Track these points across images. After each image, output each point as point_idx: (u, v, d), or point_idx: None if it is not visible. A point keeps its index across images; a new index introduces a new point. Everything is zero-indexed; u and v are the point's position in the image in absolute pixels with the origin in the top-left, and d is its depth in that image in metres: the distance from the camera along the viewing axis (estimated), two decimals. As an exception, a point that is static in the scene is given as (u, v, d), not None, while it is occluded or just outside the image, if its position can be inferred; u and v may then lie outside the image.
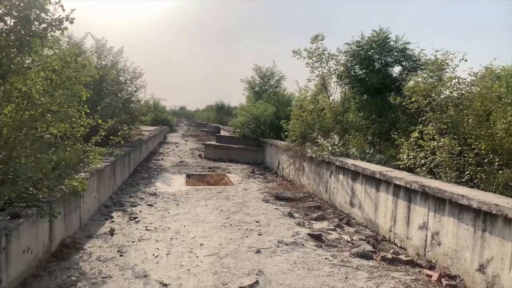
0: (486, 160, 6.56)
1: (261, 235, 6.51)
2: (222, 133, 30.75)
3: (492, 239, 4.41)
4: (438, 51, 7.13)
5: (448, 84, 6.92)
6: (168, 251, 5.59)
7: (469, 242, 4.77)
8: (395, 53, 10.94)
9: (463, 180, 6.47)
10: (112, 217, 7.26)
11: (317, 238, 6.40)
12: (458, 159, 6.65)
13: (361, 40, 11.09)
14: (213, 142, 19.08)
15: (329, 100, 12.82)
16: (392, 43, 10.91)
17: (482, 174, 6.47)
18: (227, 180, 12.32)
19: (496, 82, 7.31)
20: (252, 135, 16.80)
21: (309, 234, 6.53)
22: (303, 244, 6.08)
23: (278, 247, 5.94)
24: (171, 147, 22.92)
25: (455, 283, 4.72)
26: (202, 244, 5.95)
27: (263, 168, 15.07)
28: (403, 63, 10.92)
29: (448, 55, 7.02)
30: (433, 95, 7.21)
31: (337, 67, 12.04)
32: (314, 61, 12.43)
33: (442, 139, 6.22)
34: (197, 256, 5.45)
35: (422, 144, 6.52)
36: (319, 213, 7.95)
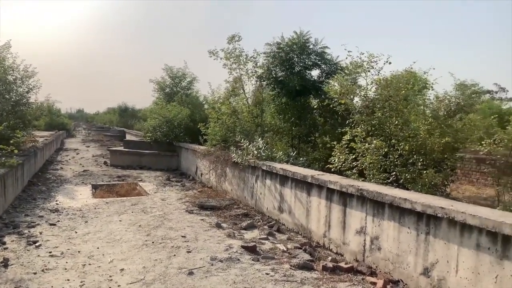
0: (411, 160, 6.74)
1: (190, 252, 5.81)
2: (129, 137, 28.81)
3: (436, 242, 4.36)
4: (363, 53, 7.20)
5: (371, 86, 7.01)
6: (81, 283, 4.61)
7: (412, 246, 4.69)
8: (314, 56, 11.01)
9: (389, 181, 6.56)
10: (4, 243, 5.92)
11: (251, 250, 5.92)
12: (385, 160, 6.74)
13: (281, 41, 10.96)
14: (121, 148, 17.55)
15: (248, 102, 12.49)
16: (311, 46, 10.95)
17: (407, 175, 6.63)
18: (140, 190, 11.24)
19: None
20: (165, 139, 15.79)
21: (242, 247, 6.02)
22: (238, 259, 5.53)
23: (212, 265, 5.31)
24: (71, 154, 20.64)
25: (401, 289, 4.60)
26: (122, 269, 5.06)
27: (179, 175, 14.19)
28: (322, 66, 11.03)
29: (373, 57, 7.12)
30: (358, 97, 7.24)
31: (255, 69, 11.78)
32: (232, 62, 12.00)
33: (374, 141, 6.20)
34: (118, 286, 4.57)
35: (354, 147, 6.45)
36: (248, 221, 7.49)
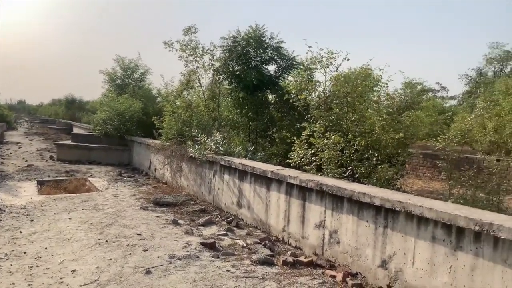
0: (366, 155, 6.93)
1: (147, 250, 5.58)
2: (77, 130, 27.49)
3: (394, 235, 4.49)
4: (322, 49, 7.28)
5: (330, 82, 7.11)
6: (29, 286, 4.28)
7: (370, 239, 4.80)
8: (270, 51, 11.01)
9: (346, 175, 6.70)
10: None
11: (211, 247, 5.80)
12: (342, 155, 6.87)
13: (237, 35, 10.85)
14: (68, 142, 16.64)
15: (204, 96, 12.27)
16: (267, 40, 10.94)
17: (362, 169, 6.81)
18: (90, 186, 10.71)
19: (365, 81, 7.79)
20: (117, 133, 15.18)
21: (201, 244, 5.88)
22: (198, 256, 5.40)
23: (171, 263, 5.14)
24: (12, 148, 19.31)
25: (360, 282, 4.70)
26: (74, 271, 4.76)
27: (132, 170, 13.71)
28: (279, 61, 11.06)
29: (332, 54, 7.21)
30: (316, 93, 7.32)
31: (212, 62, 11.59)
32: (187, 54, 11.71)
33: (333, 136, 6.29)
34: (70, 289, 4.29)
35: (313, 142, 6.51)
36: (206, 217, 7.35)
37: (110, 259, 5.20)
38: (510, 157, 10.47)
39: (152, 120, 12.05)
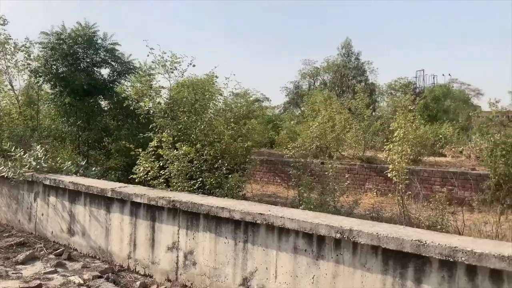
0: (216, 165, 6.67)
1: None
2: None
3: (255, 250, 4.27)
4: (165, 53, 6.70)
5: (177, 88, 6.61)
6: None
7: (229, 257, 4.49)
8: (104, 53, 9.85)
9: (196, 187, 6.31)
10: None
11: (35, 292, 4.58)
12: (191, 166, 6.45)
13: (63, 31, 9.34)
14: None
15: (18, 101, 10.18)
16: (100, 41, 9.74)
17: (212, 180, 6.53)
18: None
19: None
20: None
21: (21, 290, 4.60)
22: (16, 309, 4.16)
23: (-26, 326, 3.80)
24: None
25: (223, 306, 4.33)
26: None
27: None
28: (113, 64, 9.97)
29: (176, 58, 6.70)
30: (161, 99, 6.73)
31: (28, 61, 9.71)
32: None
33: (184, 147, 5.79)
34: None
35: (162, 153, 5.88)
36: (27, 252, 5.89)
37: None
38: (333, 160, 11.83)
39: None
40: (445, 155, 17.27)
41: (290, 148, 6.75)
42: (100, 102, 10.29)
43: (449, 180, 11.13)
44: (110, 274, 5.17)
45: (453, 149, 18.42)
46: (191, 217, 4.84)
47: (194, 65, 6.70)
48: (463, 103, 40.97)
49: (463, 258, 2.89)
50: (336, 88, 42.64)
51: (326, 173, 7.59)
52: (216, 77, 7.12)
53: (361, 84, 17.57)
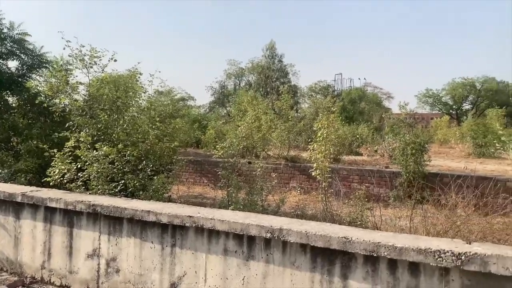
0: (140, 167, 6.37)
1: None
2: None
3: (183, 254, 4.14)
4: (83, 46, 6.19)
5: (97, 84, 6.18)
6: None
7: (156, 262, 4.30)
8: (10, 43, 8.91)
9: (118, 190, 5.97)
10: None
11: None
12: (112, 168, 6.08)
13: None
14: None
15: None
16: (5, 30, 8.79)
17: (136, 182, 6.23)
18: None
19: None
20: None
21: None
22: None
23: None
24: None
25: (149, 313, 4.13)
26: None
27: None
28: (22, 57, 9.06)
29: (96, 52, 6.23)
30: (78, 96, 6.24)
31: None
32: None
33: (104, 147, 5.43)
34: None
35: (80, 154, 5.44)
36: None
37: None
38: (259, 159, 12.00)
39: None
40: (361, 154, 18.49)
41: (219, 149, 6.67)
42: (7, 98, 9.30)
43: (366, 178, 11.88)
44: (20, 287, 4.68)
45: (368, 148, 19.81)
46: (114, 222, 4.56)
47: (115, 60, 6.30)
48: (376, 105, 44.34)
49: (385, 253, 3.06)
50: (261, 89, 43.50)
51: (254, 172, 7.67)
52: (140, 73, 6.80)
53: (284, 86, 17.99)
